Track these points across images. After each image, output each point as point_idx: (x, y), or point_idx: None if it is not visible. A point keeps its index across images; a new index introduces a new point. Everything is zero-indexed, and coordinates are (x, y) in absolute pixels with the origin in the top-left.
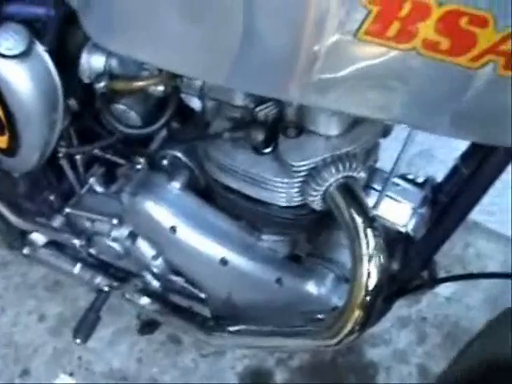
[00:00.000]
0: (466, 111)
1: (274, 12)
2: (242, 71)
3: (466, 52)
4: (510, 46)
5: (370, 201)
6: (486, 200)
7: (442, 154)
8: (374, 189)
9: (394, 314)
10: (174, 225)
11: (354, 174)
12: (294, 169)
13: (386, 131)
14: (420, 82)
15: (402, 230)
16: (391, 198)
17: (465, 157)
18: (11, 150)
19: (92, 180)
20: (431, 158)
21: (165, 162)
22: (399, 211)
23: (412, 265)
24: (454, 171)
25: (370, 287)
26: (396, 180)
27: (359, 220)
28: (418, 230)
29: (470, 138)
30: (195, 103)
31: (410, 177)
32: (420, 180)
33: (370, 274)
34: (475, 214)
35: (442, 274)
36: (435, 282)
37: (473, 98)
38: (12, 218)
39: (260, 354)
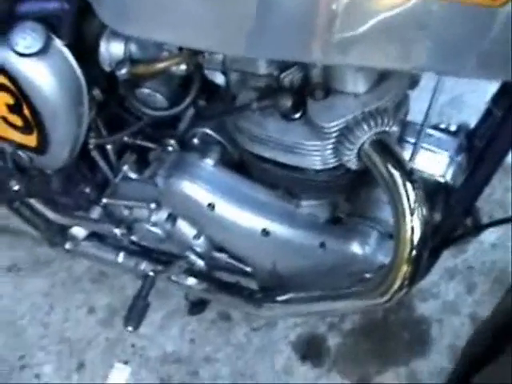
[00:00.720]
0: (491, 50)
1: None
2: (261, 38)
3: None
4: None
5: (406, 154)
6: None
7: (472, 99)
8: (408, 141)
9: (441, 266)
10: (211, 202)
11: (387, 129)
12: (326, 130)
13: (413, 82)
14: (441, 26)
15: (441, 180)
16: (426, 149)
17: (496, 98)
18: (41, 147)
19: (125, 168)
20: (462, 104)
21: (195, 140)
22: (436, 161)
23: (454, 214)
24: (487, 114)
25: (415, 241)
26: (429, 131)
27: (397, 174)
28: (456, 178)
29: (498, 77)
30: (219, 79)
31: (443, 126)
32: (453, 128)
33: (414, 227)
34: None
35: (484, 220)
36: (479, 228)
37: (496, 36)
38: (50, 214)
39: (311, 321)
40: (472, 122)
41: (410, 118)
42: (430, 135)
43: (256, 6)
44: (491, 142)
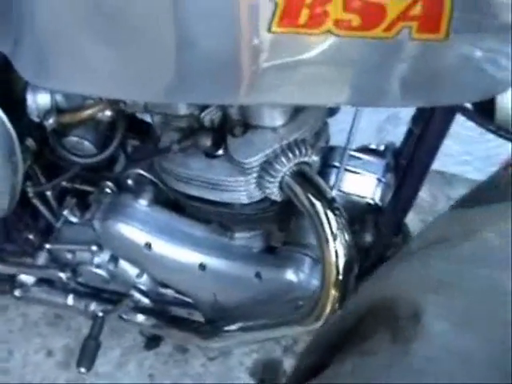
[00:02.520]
0: (399, 79)
1: (204, 18)
2: (180, 84)
3: (378, 24)
4: (419, 10)
5: (333, 179)
6: (459, 151)
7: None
8: (335, 166)
9: None
10: (147, 241)
11: (306, 159)
12: (247, 166)
13: (332, 110)
14: (344, 61)
15: (370, 201)
16: (354, 172)
17: (415, 118)
18: None
19: (66, 212)
20: (398, 120)
21: (130, 181)
22: (364, 184)
23: (384, 233)
24: (409, 133)
25: (341, 266)
26: (356, 153)
27: (318, 204)
28: (385, 198)
29: (415, 105)
30: (149, 117)
31: (372, 147)
32: (381, 148)
33: (338, 253)
34: (452, 167)
35: None
36: None
37: (398, 65)
38: None
39: (267, 346)
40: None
41: (337, 140)
42: (357, 158)
43: (174, 52)
44: (412, 160)
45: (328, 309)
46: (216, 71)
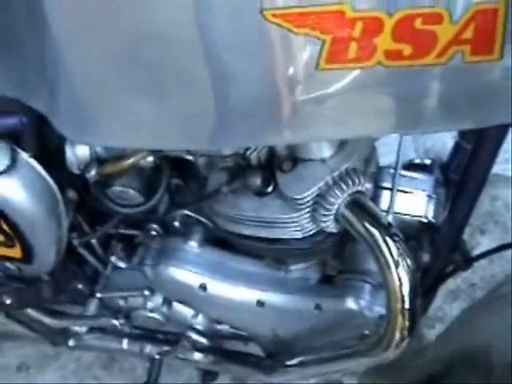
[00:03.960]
0: (451, 104)
1: (243, 59)
2: (222, 129)
3: (430, 51)
4: (471, 33)
5: (384, 201)
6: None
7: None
8: (384, 187)
9: (443, 289)
10: (202, 283)
11: (359, 188)
12: (299, 201)
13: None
14: (395, 91)
15: (423, 220)
16: (403, 191)
17: (462, 132)
18: (27, 257)
19: (113, 258)
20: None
21: (176, 223)
22: (415, 202)
23: (441, 252)
24: (457, 147)
25: (405, 293)
26: (403, 172)
27: (376, 232)
28: (438, 215)
29: (465, 127)
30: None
31: (417, 161)
32: (427, 162)
33: (401, 279)
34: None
35: (476, 234)
36: (469, 261)
37: (451, 89)
38: (47, 320)
39: None
40: (444, 155)
41: (382, 161)
42: (405, 176)
43: (211, 96)
44: (466, 176)
45: (397, 337)
46: (257, 112)
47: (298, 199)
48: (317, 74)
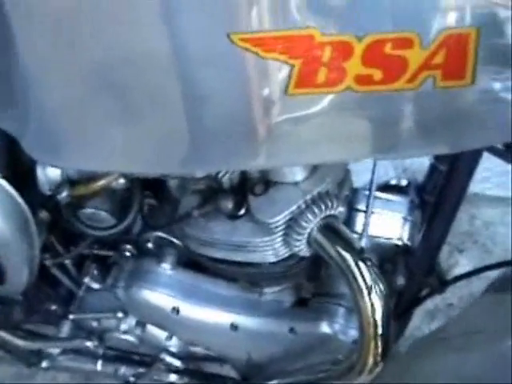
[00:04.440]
0: (424, 129)
1: (214, 83)
2: (195, 153)
3: (401, 76)
4: (442, 58)
5: (359, 223)
6: (477, 168)
7: None
8: (359, 209)
9: (420, 309)
10: (175, 305)
11: (332, 212)
12: (272, 225)
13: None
14: (366, 116)
15: (398, 242)
16: (379, 213)
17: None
18: None
19: (87, 279)
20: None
21: (150, 244)
22: (390, 224)
23: (416, 274)
24: (432, 169)
25: (378, 318)
26: (378, 194)
27: (348, 256)
28: (413, 237)
29: (440, 151)
30: None
31: (393, 182)
32: (403, 183)
33: (374, 305)
34: (472, 185)
35: (454, 253)
36: (444, 284)
37: (422, 114)
38: (20, 342)
39: None
40: (421, 175)
41: (358, 180)
42: (380, 198)
43: (183, 120)
44: (441, 197)
45: (370, 361)
46: (230, 136)
47: (271, 223)
48: (286, 99)
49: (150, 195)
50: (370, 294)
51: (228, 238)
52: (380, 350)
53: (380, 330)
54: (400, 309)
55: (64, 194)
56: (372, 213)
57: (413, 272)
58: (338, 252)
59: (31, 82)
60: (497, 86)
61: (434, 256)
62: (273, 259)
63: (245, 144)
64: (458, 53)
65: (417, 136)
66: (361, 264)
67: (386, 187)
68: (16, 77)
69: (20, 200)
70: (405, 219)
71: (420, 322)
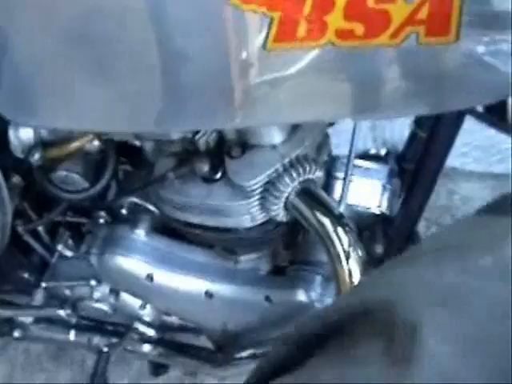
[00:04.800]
0: (406, 88)
1: (191, 38)
2: (171, 111)
3: (383, 31)
4: (426, 13)
5: (337, 191)
6: (456, 143)
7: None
8: (338, 177)
9: None
10: (149, 272)
11: (310, 176)
12: (248, 189)
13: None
14: (346, 73)
15: (377, 211)
16: (357, 181)
17: (418, 121)
18: None
19: (60, 247)
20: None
21: (124, 211)
22: (369, 193)
23: (395, 243)
24: (412, 137)
25: (355, 280)
26: (358, 162)
27: (327, 221)
28: (392, 206)
29: (421, 112)
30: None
31: (372, 151)
32: (383, 152)
33: (352, 271)
34: (450, 160)
35: (432, 228)
36: None
37: (405, 72)
38: None
39: None
40: (401, 146)
41: (336, 152)
42: (359, 166)
43: (159, 76)
44: (421, 165)
45: None
46: (207, 94)
47: (247, 186)
48: (265, 55)
49: (124, 161)
50: (347, 259)
51: (204, 202)
52: None
53: None
54: None
55: (36, 156)
56: (350, 181)
57: (392, 240)
58: (316, 217)
59: (3, 38)
60: (481, 46)
61: (413, 224)
62: (249, 224)
63: (221, 102)
64: (443, 8)
65: (398, 95)
66: (339, 229)
67: (364, 156)
68: None
69: None
70: (384, 187)
71: None
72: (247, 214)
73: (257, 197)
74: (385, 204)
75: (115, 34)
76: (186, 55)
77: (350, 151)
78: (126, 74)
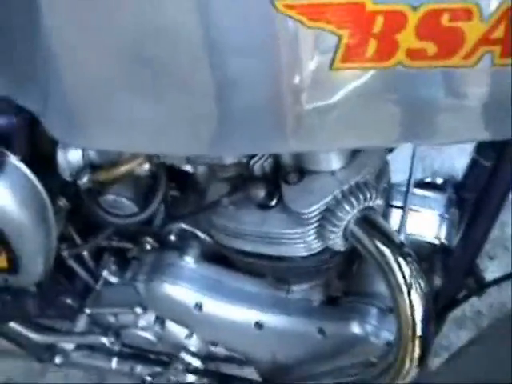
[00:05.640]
0: (477, 111)
1: (246, 59)
2: (224, 134)
3: (457, 51)
4: (503, 32)
5: (395, 220)
6: None
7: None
8: (395, 206)
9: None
10: (198, 301)
11: (370, 204)
12: (305, 216)
13: (390, 149)
14: (415, 95)
15: (435, 241)
16: (415, 210)
17: (481, 148)
18: (13, 267)
19: (105, 273)
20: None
21: (172, 237)
22: (427, 223)
23: (454, 275)
24: (473, 164)
25: (418, 318)
26: (415, 190)
27: (387, 251)
28: (451, 236)
29: (491, 138)
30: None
31: (428, 180)
32: (439, 181)
33: (413, 304)
34: None
35: (485, 260)
36: (483, 287)
37: (477, 95)
38: (33, 335)
39: None
40: (458, 174)
41: (393, 179)
42: (416, 195)
43: (213, 99)
44: (484, 195)
45: (407, 365)
46: (261, 117)
47: (304, 214)
48: (330, 75)
49: (174, 187)
50: (409, 291)
51: (258, 229)
52: (417, 352)
53: (419, 332)
54: (435, 311)
55: (85, 179)
56: (409, 209)
57: (450, 273)
58: (377, 246)
59: (54, 58)
60: None
61: (473, 257)
62: (305, 253)
63: (277, 126)
64: None
65: (470, 119)
66: (400, 259)
67: (421, 185)
68: (39, 52)
69: (39, 185)
70: (442, 217)
71: (447, 330)
72: (303, 243)
73: (314, 225)
74: (443, 234)
75: (168, 57)
76: (242, 77)
77: (410, 178)
78: (178, 97)
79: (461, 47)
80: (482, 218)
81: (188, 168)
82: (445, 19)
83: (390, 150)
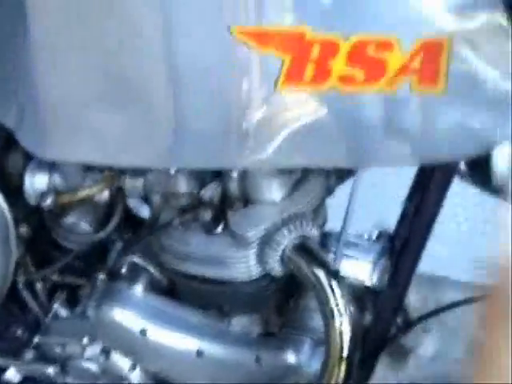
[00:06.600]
0: (400, 136)
1: (201, 77)
2: (179, 148)
3: (381, 77)
4: (419, 63)
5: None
6: (446, 253)
7: None
8: (331, 251)
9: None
10: (143, 327)
11: (307, 233)
12: (247, 239)
13: (329, 189)
14: (349, 118)
15: (367, 284)
16: (350, 256)
17: (410, 196)
18: None
19: (56, 305)
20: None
21: (123, 270)
22: (360, 268)
23: (384, 315)
24: (404, 213)
25: (345, 339)
26: (351, 239)
27: (322, 273)
28: (382, 280)
29: (413, 163)
30: (145, 212)
31: (365, 236)
32: (374, 235)
33: (343, 326)
34: (439, 270)
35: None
36: (410, 324)
37: (400, 120)
38: None
39: None
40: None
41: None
42: (352, 243)
43: (171, 115)
44: (409, 236)
45: None
46: (213, 134)
47: (246, 236)
48: (275, 95)
49: (128, 231)
50: (340, 312)
51: (203, 251)
52: (342, 373)
53: (345, 353)
54: (366, 350)
55: (49, 201)
56: (344, 255)
57: (380, 312)
58: (312, 270)
59: (25, 72)
60: (468, 98)
61: (400, 298)
62: (245, 276)
63: (225, 142)
64: (432, 59)
65: (394, 144)
66: (334, 283)
67: (358, 236)
68: (16, 69)
69: (5, 210)
70: (374, 263)
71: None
72: (244, 267)
73: (255, 249)
74: (374, 278)
75: (131, 72)
76: (194, 96)
77: (343, 226)
78: (138, 111)
79: (383, 74)
80: (405, 261)
81: (145, 214)
82: (371, 49)
83: (329, 193)
